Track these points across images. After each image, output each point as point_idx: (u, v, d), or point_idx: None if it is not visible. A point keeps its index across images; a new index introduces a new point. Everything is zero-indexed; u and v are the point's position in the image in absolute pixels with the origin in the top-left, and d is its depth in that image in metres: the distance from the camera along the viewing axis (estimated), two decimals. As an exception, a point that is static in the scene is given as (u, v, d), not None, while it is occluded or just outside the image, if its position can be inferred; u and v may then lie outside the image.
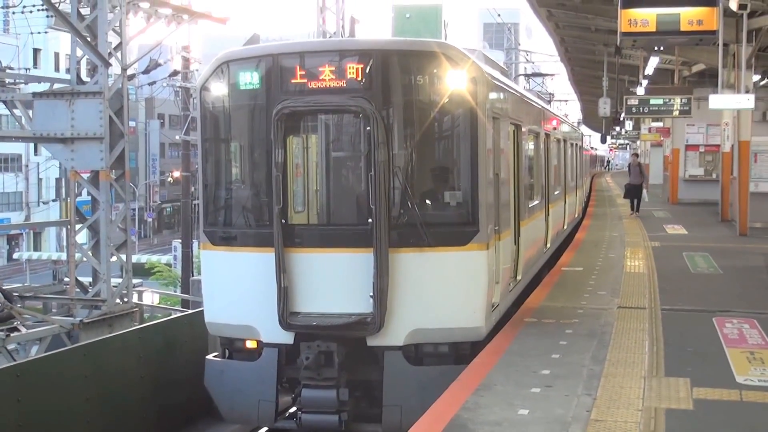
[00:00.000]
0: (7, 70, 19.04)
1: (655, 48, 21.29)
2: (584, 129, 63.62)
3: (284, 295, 8.45)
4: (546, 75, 47.81)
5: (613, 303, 10.81)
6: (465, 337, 8.60)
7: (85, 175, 15.49)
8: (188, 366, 11.18)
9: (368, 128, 8.29)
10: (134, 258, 18.56)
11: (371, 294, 8.25)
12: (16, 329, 13.81)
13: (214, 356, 9.35)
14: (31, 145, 53.33)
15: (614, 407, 6.48)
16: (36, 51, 53.87)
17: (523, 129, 11.81)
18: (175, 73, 30.89)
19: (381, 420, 8.40)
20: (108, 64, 14.77)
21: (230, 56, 8.98)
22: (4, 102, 15.14)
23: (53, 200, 59.42)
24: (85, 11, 15.04)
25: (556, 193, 16.89)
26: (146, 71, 24.26)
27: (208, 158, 9.27)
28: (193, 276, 28.79)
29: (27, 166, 58.53)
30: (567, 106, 66.26)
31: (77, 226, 15.52)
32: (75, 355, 10.16)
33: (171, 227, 72.69)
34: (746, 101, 18.07)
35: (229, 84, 8.91)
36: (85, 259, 15.49)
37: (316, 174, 9.28)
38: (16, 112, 15.17)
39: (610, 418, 6.25)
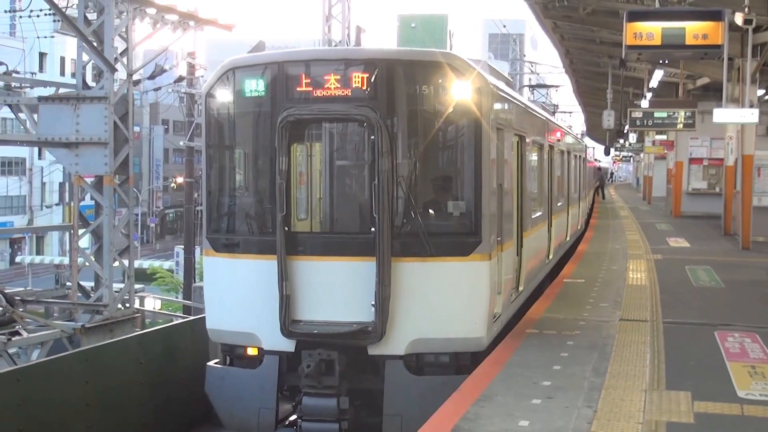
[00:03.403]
0: (13, 74, 19.07)
1: (660, 61, 21.30)
2: (588, 141, 63.61)
3: (286, 302, 8.44)
4: (551, 86, 47.82)
5: (615, 315, 10.80)
6: (466, 348, 8.59)
7: (89, 180, 15.52)
8: (189, 372, 11.18)
9: (372, 137, 8.30)
10: (136, 263, 18.55)
11: (373, 303, 8.25)
12: (17, 333, 13.84)
13: (215, 363, 9.34)
14: (36, 149, 53.50)
15: (615, 420, 6.47)
16: (42, 55, 54.04)
17: (527, 140, 11.81)
18: (180, 79, 30.94)
19: (381, 429, 8.38)
20: (114, 70, 14.79)
21: (236, 63, 9.00)
22: (10, 106, 15.17)
23: (56, 204, 59.48)
24: (92, 16, 15.07)
25: (559, 204, 16.88)
26: (151, 77, 24.30)
27: (212, 164, 9.27)
28: (195, 282, 28.77)
29: (31, 169, 58.64)
30: (571, 118, 66.30)
31: (80, 231, 15.54)
32: (76, 360, 10.17)
33: (174, 233, 72.71)
34: (750, 115, 18.10)
35: (235, 91, 8.92)
36: (87, 263, 15.50)
37: (320, 182, 9.28)
38: (22, 116, 15.18)
39: (611, 430, 6.23)
